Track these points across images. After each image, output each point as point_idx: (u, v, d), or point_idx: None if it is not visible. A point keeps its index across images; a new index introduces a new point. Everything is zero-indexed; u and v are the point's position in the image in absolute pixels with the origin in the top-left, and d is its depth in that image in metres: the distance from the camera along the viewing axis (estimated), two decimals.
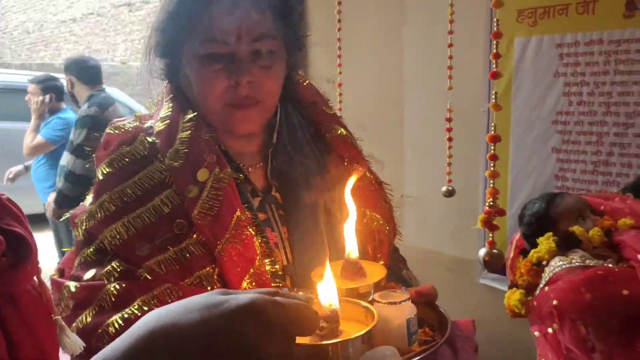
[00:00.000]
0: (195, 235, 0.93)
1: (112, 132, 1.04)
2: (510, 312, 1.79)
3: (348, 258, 0.90)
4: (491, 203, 1.16)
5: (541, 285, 1.68)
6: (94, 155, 1.05)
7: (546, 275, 1.66)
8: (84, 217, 0.98)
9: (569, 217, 1.83)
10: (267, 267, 0.95)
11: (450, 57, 2.08)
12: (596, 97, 2.15)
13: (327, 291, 0.77)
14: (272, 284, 0.95)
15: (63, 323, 0.65)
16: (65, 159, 3.32)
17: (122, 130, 1.04)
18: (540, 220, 1.86)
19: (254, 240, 0.95)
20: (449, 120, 2.17)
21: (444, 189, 2.23)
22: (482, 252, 1.17)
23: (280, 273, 0.97)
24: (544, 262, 1.70)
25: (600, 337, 1.53)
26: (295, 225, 1.01)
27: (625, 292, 1.45)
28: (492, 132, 1.14)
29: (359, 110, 3.05)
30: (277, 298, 0.53)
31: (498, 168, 2.60)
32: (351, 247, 0.90)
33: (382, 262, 1.02)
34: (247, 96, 0.98)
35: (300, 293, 0.59)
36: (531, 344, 2.37)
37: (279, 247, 1.00)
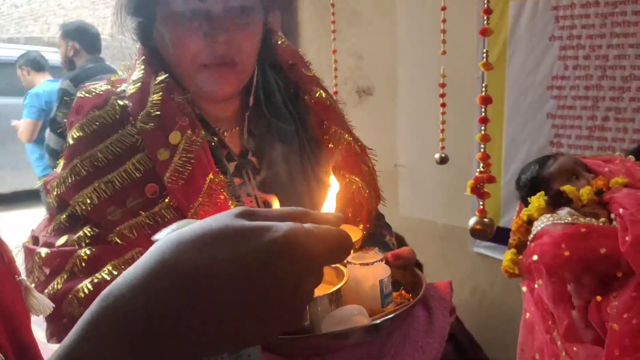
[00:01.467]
0: (167, 200, 0.91)
1: (83, 96, 1.01)
2: (506, 273, 1.78)
3: None
4: (481, 169, 1.13)
5: (528, 242, 1.67)
6: (65, 120, 1.02)
7: (533, 231, 1.65)
8: (55, 184, 0.96)
9: (562, 177, 1.82)
10: None
11: (444, 21, 2.03)
12: (592, 61, 2.10)
13: None
14: None
15: (28, 284, 0.63)
16: (46, 133, 3.34)
17: (94, 94, 1.01)
18: (534, 181, 1.85)
19: (229, 204, 0.93)
20: (442, 85, 2.12)
21: (437, 156, 2.20)
22: (472, 221, 1.15)
23: None
24: (534, 221, 1.69)
25: (576, 294, 1.53)
26: (272, 191, 0.99)
27: (602, 250, 1.44)
28: (483, 94, 1.10)
29: (353, 76, 3.01)
30: (310, 226, 0.45)
31: (492, 135, 2.57)
32: (328, 208, 0.88)
33: (360, 227, 1.00)
34: (224, 55, 0.94)
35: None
36: (519, 314, 2.37)
37: None
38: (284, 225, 0.44)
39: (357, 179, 1.03)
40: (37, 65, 4.37)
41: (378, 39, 2.91)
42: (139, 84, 0.98)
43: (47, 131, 3.35)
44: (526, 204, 1.81)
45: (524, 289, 1.71)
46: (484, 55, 1.12)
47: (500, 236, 2.48)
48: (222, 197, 0.92)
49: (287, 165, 1.00)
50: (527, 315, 1.71)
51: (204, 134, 0.96)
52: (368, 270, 0.78)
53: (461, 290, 2.64)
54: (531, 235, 1.66)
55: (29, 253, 0.95)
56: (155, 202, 0.91)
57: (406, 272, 0.89)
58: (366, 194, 1.03)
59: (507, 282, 2.56)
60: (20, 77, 4.38)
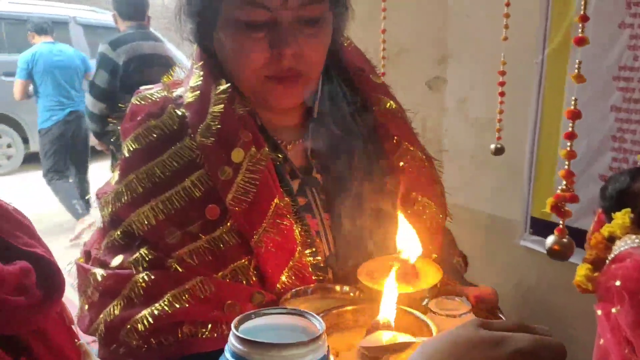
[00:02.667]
0: (229, 223, 0.84)
1: (138, 102, 0.94)
2: (578, 288, 1.68)
3: (399, 257, 0.81)
4: (564, 187, 1.04)
5: (608, 262, 1.57)
6: (118, 127, 0.96)
7: (614, 251, 1.54)
8: (110, 198, 0.90)
9: None
10: (308, 259, 0.86)
11: (508, 4, 1.90)
12: None
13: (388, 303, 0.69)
14: (313, 277, 0.87)
15: (87, 349, 0.58)
16: (85, 97, 3.39)
17: (149, 100, 0.94)
18: (621, 195, 1.70)
19: (294, 229, 0.86)
20: (502, 73, 2.00)
21: (492, 146, 2.09)
22: (550, 240, 1.06)
23: (321, 265, 0.89)
24: (616, 239, 1.58)
25: None
26: (338, 211, 0.91)
27: None
28: (572, 107, 1.00)
29: (400, 56, 2.88)
30: (542, 338, 0.53)
31: (549, 126, 2.45)
32: (404, 245, 0.81)
33: (435, 256, 0.92)
34: (291, 69, 0.86)
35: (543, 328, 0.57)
36: (568, 313, 2.28)
37: (320, 235, 0.91)
38: (525, 337, 0.52)
39: (431, 203, 0.94)
40: (40, 29, 4.73)
41: (427, 21, 2.76)
42: (198, 92, 0.90)
43: (86, 94, 3.37)
44: (609, 216, 1.69)
45: (599, 312, 1.60)
46: (576, 66, 1.01)
47: (550, 231, 2.39)
48: (287, 222, 0.85)
49: (354, 183, 0.92)
50: (602, 341, 1.61)
51: (268, 151, 0.88)
52: (454, 323, 0.72)
53: (504, 284, 2.55)
54: (612, 255, 1.55)
55: (83, 272, 0.90)
56: (217, 225, 0.85)
57: (488, 315, 0.82)
58: (440, 218, 0.95)
59: (556, 278, 2.47)
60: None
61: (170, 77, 1.00)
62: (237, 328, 0.49)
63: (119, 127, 0.96)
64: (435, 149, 2.71)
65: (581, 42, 0.96)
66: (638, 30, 2.00)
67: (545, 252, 2.48)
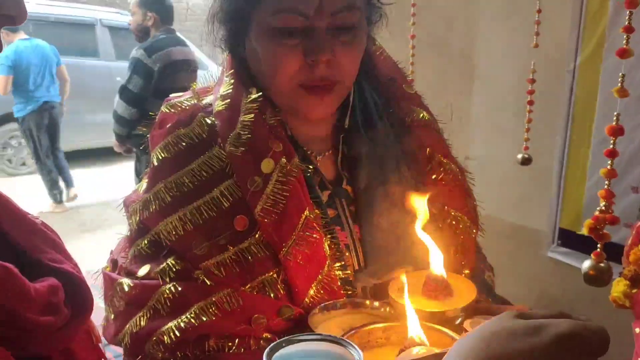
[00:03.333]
0: (257, 235, 0.83)
1: (167, 110, 0.93)
2: (614, 303, 1.64)
3: (431, 273, 0.78)
4: (603, 208, 1.00)
5: None
6: (147, 136, 0.95)
7: None
8: (138, 207, 0.89)
9: None
10: (337, 273, 0.84)
11: (539, 11, 1.86)
12: None
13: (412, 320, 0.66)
14: (342, 291, 0.85)
15: None
16: (115, 100, 3.38)
17: (179, 108, 0.93)
18: None
19: (324, 242, 0.84)
20: (532, 81, 1.96)
21: (519, 156, 2.05)
22: (586, 265, 1.02)
23: (351, 279, 0.87)
24: None
25: None
26: (369, 224, 0.89)
27: None
28: (614, 124, 0.97)
29: (425, 59, 2.84)
30: (585, 322, 0.52)
31: (580, 133, 2.39)
32: (436, 261, 0.78)
33: (467, 271, 0.89)
34: (324, 78, 0.84)
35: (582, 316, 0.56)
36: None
37: (350, 248, 0.89)
38: (565, 322, 0.51)
39: (464, 217, 0.92)
40: (14, 27, 4.84)
41: (456, 26, 2.73)
42: (228, 100, 0.89)
43: (117, 98, 3.38)
44: None
45: (637, 330, 1.55)
46: (620, 78, 0.97)
47: (579, 243, 2.34)
48: (316, 235, 0.83)
49: (385, 196, 0.90)
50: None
51: (298, 161, 0.86)
52: None
53: (529, 295, 2.51)
54: None
55: (110, 281, 0.89)
56: (245, 236, 0.83)
57: None
58: (473, 233, 0.92)
59: (582, 291, 2.41)
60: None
61: (198, 84, 0.99)
62: (270, 358, 0.47)
63: (147, 136, 0.95)
64: (462, 156, 2.67)
65: (625, 54, 0.93)
66: None
67: (572, 264, 2.43)
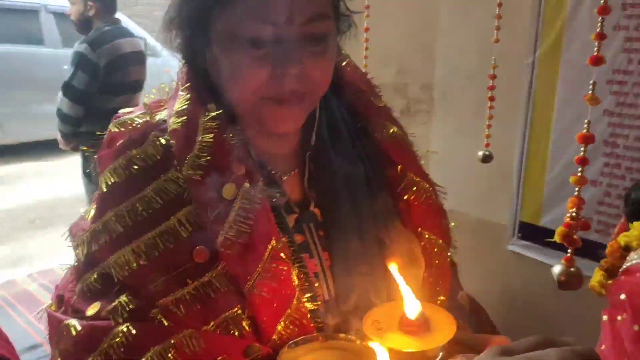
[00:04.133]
0: (220, 267, 0.76)
1: (116, 129, 0.85)
2: (594, 291, 1.66)
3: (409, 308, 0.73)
4: (574, 214, 0.97)
5: (620, 272, 1.53)
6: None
7: (627, 262, 1.51)
8: (86, 238, 0.81)
9: None
10: (307, 305, 0.79)
11: (500, 5, 1.83)
12: None
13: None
14: (312, 324, 0.79)
15: None
16: (58, 95, 3.17)
17: (130, 127, 0.84)
18: None
19: (292, 272, 0.78)
20: (493, 77, 1.94)
21: (480, 153, 2.04)
22: (557, 269, 1.00)
23: (321, 311, 0.81)
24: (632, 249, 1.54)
25: None
26: (339, 251, 0.84)
27: None
28: (585, 131, 0.94)
29: (387, 54, 2.80)
30: (568, 349, 0.50)
31: (539, 128, 2.39)
32: (412, 295, 0.73)
33: (442, 297, 0.85)
34: (293, 90, 0.77)
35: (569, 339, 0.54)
36: (555, 318, 2.25)
37: (319, 277, 0.83)
38: (551, 352, 0.49)
39: (439, 240, 0.87)
40: None
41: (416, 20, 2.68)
42: (184, 117, 0.81)
43: (60, 95, 3.17)
44: (630, 221, 1.63)
45: (605, 317, 1.58)
46: (590, 86, 0.94)
47: (539, 236, 2.35)
48: (284, 267, 0.77)
49: (356, 218, 0.85)
50: (603, 347, 1.58)
51: (263, 186, 0.80)
52: None
53: (492, 288, 2.52)
54: (624, 266, 1.52)
55: (55, 322, 0.80)
56: (206, 269, 0.76)
57: None
58: (448, 257, 0.88)
59: (543, 283, 2.44)
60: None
61: (152, 95, 0.91)
62: None
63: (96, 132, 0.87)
64: (423, 151, 2.65)
65: (598, 61, 0.89)
66: (633, 32, 1.95)
67: (533, 257, 2.45)
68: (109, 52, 3.09)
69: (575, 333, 2.29)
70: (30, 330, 2.81)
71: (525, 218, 2.38)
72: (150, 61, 3.60)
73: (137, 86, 3.33)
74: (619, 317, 1.50)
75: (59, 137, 3.34)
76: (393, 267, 0.75)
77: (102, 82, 3.11)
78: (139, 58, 3.30)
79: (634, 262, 1.46)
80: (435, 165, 2.70)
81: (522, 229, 2.40)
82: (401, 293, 0.75)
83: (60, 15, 6.79)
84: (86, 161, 3.26)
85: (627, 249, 1.53)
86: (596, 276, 1.64)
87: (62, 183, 5.15)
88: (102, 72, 3.09)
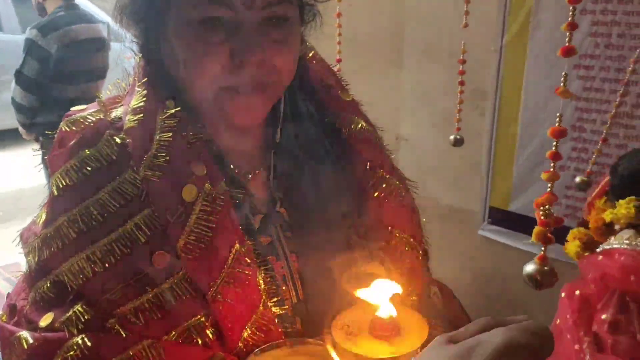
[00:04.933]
0: (181, 273, 0.72)
1: (67, 128, 0.80)
2: (568, 254, 1.68)
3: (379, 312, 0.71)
4: (547, 211, 0.96)
5: (599, 250, 1.54)
6: (46, 158, 0.81)
7: (607, 244, 1.52)
8: (37, 244, 0.76)
9: None
10: (274, 310, 0.76)
11: None
12: (627, 40, 1.91)
13: None
14: (280, 329, 0.76)
15: None
16: (12, 86, 3.04)
17: (82, 125, 0.79)
18: (633, 176, 1.61)
19: (257, 276, 0.75)
20: (462, 62, 1.92)
21: (451, 137, 2.03)
22: (530, 268, 0.99)
23: (289, 314, 0.78)
24: (616, 227, 1.55)
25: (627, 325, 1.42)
26: (307, 252, 0.80)
27: None
28: (557, 125, 0.92)
29: (356, 37, 2.76)
30: (515, 327, 0.49)
31: (507, 113, 2.39)
32: (382, 300, 0.71)
33: (414, 297, 0.83)
34: (254, 79, 0.73)
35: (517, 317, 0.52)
36: (525, 302, 2.27)
37: (287, 280, 0.80)
38: (499, 332, 0.48)
39: (410, 239, 0.85)
40: None
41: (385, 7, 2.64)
42: (141, 115, 0.76)
43: (13, 84, 3.03)
44: (616, 195, 1.62)
45: (563, 294, 1.60)
46: (561, 78, 0.92)
47: (509, 221, 2.36)
48: (248, 271, 0.74)
49: (324, 218, 0.82)
50: (558, 321, 1.61)
51: (225, 186, 0.76)
52: None
53: (463, 273, 2.53)
54: (604, 246, 1.53)
55: (6, 334, 0.76)
56: (166, 275, 0.72)
57: None
58: (420, 256, 0.85)
59: (514, 267, 2.46)
60: None
61: (107, 92, 0.86)
62: None
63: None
64: (393, 138, 2.63)
65: (569, 52, 0.87)
66: (600, 16, 1.95)
67: (502, 241, 2.46)
68: (60, 39, 2.93)
69: (541, 315, 2.32)
70: None
71: (495, 203, 2.39)
72: (114, 47, 3.45)
73: (95, 75, 3.17)
74: (577, 292, 1.53)
75: (19, 127, 3.22)
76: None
77: (56, 70, 2.97)
78: (97, 45, 3.15)
79: (614, 246, 1.47)
80: (405, 151, 2.69)
81: (492, 214, 2.41)
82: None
83: (18, 1, 6.53)
84: (45, 152, 3.14)
85: (609, 226, 1.55)
86: (573, 245, 1.65)
87: (24, 174, 4.98)
88: (54, 59, 2.94)
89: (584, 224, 1.73)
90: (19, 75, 2.98)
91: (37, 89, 2.96)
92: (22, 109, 3.03)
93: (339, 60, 1.97)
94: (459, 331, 0.51)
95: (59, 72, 2.97)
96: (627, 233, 1.50)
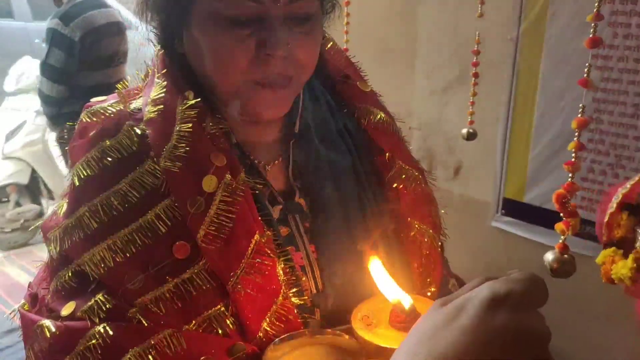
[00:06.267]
0: (201, 263, 0.72)
1: (88, 119, 0.80)
2: (607, 279, 1.60)
3: (399, 303, 0.71)
4: (567, 202, 0.95)
5: None
6: (66, 148, 0.82)
7: None
8: (59, 234, 0.77)
9: None
10: (293, 300, 0.76)
11: None
12: None
13: None
14: (299, 320, 0.76)
15: None
16: (38, 79, 3.05)
17: (102, 116, 0.80)
18: None
19: (277, 266, 0.75)
20: (477, 52, 1.90)
21: (464, 131, 2.01)
22: (550, 257, 0.98)
23: (308, 305, 0.78)
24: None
25: None
26: (326, 242, 0.80)
27: None
28: (580, 115, 0.91)
29: (367, 31, 2.74)
30: (503, 278, 0.49)
31: (523, 103, 2.37)
32: (401, 289, 0.71)
33: (433, 289, 0.83)
34: (280, 73, 0.74)
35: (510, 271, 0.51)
36: None
37: (306, 270, 0.80)
38: (486, 285, 0.47)
39: (429, 230, 0.85)
40: None
41: None
42: (161, 106, 0.77)
43: (39, 76, 3.04)
44: None
45: None
46: (585, 71, 0.91)
47: (523, 212, 2.35)
48: (268, 262, 0.74)
49: (343, 209, 0.82)
50: None
51: (245, 177, 0.76)
52: None
53: (475, 265, 2.52)
54: None
55: (29, 323, 0.76)
56: (187, 265, 0.73)
57: None
58: (439, 247, 0.85)
59: (527, 260, 2.45)
60: None
61: (126, 83, 0.86)
62: None
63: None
64: (406, 127, 2.62)
65: (595, 43, 0.86)
66: (619, 5, 1.92)
67: (516, 233, 2.44)
68: (82, 25, 2.95)
69: (556, 309, 2.32)
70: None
71: (509, 194, 2.37)
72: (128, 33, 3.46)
73: (116, 59, 3.18)
74: None
75: (47, 120, 3.24)
76: (376, 263, 0.72)
77: (81, 58, 2.98)
78: (116, 29, 3.16)
79: None
80: (419, 141, 2.68)
81: (505, 205, 2.40)
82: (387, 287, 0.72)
83: None
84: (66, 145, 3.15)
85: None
86: (626, 264, 1.57)
87: None
88: (78, 47, 2.96)
89: (607, 244, 1.67)
90: (44, 66, 2.99)
91: (65, 79, 2.97)
92: (51, 100, 3.03)
93: (345, 50, 1.96)
94: (454, 293, 0.51)
95: (84, 59, 2.98)
96: None
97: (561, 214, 1.01)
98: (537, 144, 2.23)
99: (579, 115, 0.94)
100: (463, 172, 2.55)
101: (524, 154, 2.28)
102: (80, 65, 2.98)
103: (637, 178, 1.91)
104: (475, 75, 1.94)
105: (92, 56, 3.02)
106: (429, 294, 0.83)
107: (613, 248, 1.62)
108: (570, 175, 0.97)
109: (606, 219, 1.72)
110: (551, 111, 2.17)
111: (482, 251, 2.52)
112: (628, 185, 1.96)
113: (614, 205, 1.75)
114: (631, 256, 1.56)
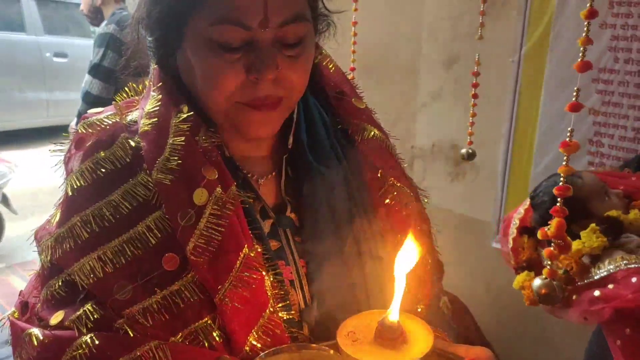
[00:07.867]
0: (190, 276, 0.73)
1: (84, 130, 0.81)
2: (531, 302, 1.59)
3: (385, 318, 0.71)
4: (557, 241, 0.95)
5: (590, 281, 1.46)
6: (65, 155, 0.83)
7: (602, 272, 1.44)
8: (50, 243, 0.77)
9: (598, 196, 1.64)
10: (281, 314, 0.76)
11: (484, 1, 1.80)
12: None
13: None
14: (287, 334, 0.76)
15: None
16: (85, 79, 3.13)
17: (98, 128, 0.81)
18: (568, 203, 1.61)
19: (265, 281, 0.75)
20: (476, 74, 1.91)
21: (463, 151, 2.02)
22: (538, 283, 0.98)
23: (296, 320, 0.78)
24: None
25: None
26: (316, 257, 0.81)
27: None
28: (568, 139, 0.92)
29: (372, 51, 2.76)
30: None
31: (524, 124, 2.38)
32: (393, 306, 0.71)
33: (422, 306, 0.83)
34: (269, 96, 0.74)
35: None
36: (539, 315, 2.24)
37: (295, 285, 0.80)
38: None
39: (421, 247, 0.84)
40: None
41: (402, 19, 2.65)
42: (155, 119, 0.78)
43: (88, 77, 3.11)
44: (543, 223, 1.57)
45: (618, 342, 1.46)
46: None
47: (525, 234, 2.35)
48: (257, 276, 0.74)
49: (334, 224, 0.82)
50: None
51: (236, 190, 0.77)
52: None
53: (475, 285, 2.51)
54: (601, 274, 1.44)
55: (17, 331, 0.77)
56: (175, 277, 0.73)
57: None
58: (429, 265, 0.85)
59: None
60: None
61: (122, 96, 0.87)
62: None
63: (64, 156, 0.83)
64: (407, 147, 2.63)
65: (585, 67, 0.87)
66: (620, 31, 1.94)
67: None
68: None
69: (555, 329, 2.29)
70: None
71: None
72: None
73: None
74: (627, 330, 1.42)
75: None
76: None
77: (125, 62, 3.07)
78: None
79: (611, 270, 1.41)
80: (420, 161, 2.68)
81: None
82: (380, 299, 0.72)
83: (42, 2, 6.67)
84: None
85: (591, 260, 1.47)
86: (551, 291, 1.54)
87: (42, 172, 5.06)
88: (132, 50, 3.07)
89: (519, 268, 1.67)
90: (98, 68, 3.07)
91: (115, 80, 3.05)
92: (100, 101, 3.09)
93: (352, 69, 1.98)
94: None
95: (128, 65, 3.05)
96: (620, 256, 1.44)
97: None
98: (538, 164, 2.24)
99: (567, 139, 0.94)
100: (464, 193, 2.55)
101: (525, 175, 2.28)
102: (122, 68, 3.06)
103: (527, 202, 1.92)
104: (475, 96, 1.95)
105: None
106: (419, 309, 0.83)
107: (525, 272, 1.61)
108: (559, 200, 0.98)
109: (510, 245, 1.72)
110: (552, 132, 2.18)
111: (482, 271, 2.51)
112: (522, 210, 1.98)
113: (514, 230, 1.76)
114: (528, 281, 1.54)
